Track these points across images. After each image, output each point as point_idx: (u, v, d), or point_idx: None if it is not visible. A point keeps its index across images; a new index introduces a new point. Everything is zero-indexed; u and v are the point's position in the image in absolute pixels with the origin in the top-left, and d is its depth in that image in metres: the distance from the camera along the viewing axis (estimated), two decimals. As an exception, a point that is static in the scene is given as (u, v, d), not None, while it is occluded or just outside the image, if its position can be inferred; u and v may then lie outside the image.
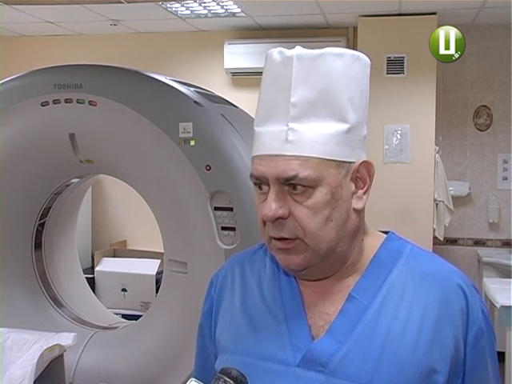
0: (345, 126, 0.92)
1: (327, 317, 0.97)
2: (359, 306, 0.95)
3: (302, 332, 0.97)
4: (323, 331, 0.96)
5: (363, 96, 0.96)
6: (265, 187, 0.94)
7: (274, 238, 0.94)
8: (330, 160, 0.91)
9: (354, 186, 0.95)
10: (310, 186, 0.91)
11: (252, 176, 0.95)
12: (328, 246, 0.94)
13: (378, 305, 0.95)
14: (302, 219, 0.92)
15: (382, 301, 0.95)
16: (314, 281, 1.00)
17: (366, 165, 0.96)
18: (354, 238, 0.98)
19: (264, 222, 0.95)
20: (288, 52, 0.94)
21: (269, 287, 1.04)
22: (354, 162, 0.94)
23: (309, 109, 0.91)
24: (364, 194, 0.97)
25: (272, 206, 0.91)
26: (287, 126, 0.91)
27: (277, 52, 0.95)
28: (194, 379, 0.86)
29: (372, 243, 1.01)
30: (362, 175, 0.96)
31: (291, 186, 0.91)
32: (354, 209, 0.95)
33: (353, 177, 0.95)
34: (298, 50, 0.94)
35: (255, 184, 0.96)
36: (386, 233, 1.05)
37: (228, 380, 0.86)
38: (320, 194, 0.91)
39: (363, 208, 0.97)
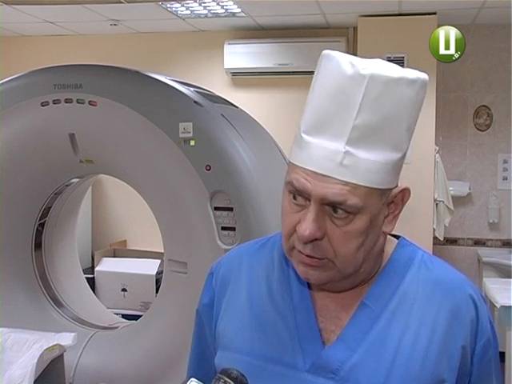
0: (398, 155, 0.89)
1: (339, 322, 0.96)
2: (371, 314, 0.94)
3: (313, 336, 0.96)
4: (334, 336, 0.95)
5: (417, 121, 0.92)
6: (300, 199, 0.90)
7: (301, 253, 0.91)
8: (377, 189, 0.88)
9: (387, 210, 0.93)
10: (352, 212, 0.87)
11: (292, 186, 0.89)
12: (354, 269, 0.92)
13: (390, 313, 0.94)
14: (337, 243, 0.89)
15: (393, 309, 0.94)
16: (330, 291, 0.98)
17: (405, 192, 0.94)
18: (379, 257, 0.97)
19: (292, 233, 0.91)
20: (362, 69, 0.86)
21: (278, 288, 1.02)
22: (394, 188, 0.91)
23: (369, 134, 0.86)
24: (394, 217, 0.94)
25: (311, 227, 0.87)
26: (344, 147, 0.86)
27: (348, 63, 0.87)
28: (194, 379, 0.86)
29: (386, 249, 0.99)
30: (397, 200, 0.93)
31: (333, 208, 0.88)
32: (383, 232, 0.94)
33: (389, 201, 0.92)
34: (374, 68, 0.86)
35: (291, 192, 0.91)
36: (394, 236, 1.03)
37: (228, 381, 0.85)
38: (360, 222, 0.88)
39: (391, 231, 0.95)
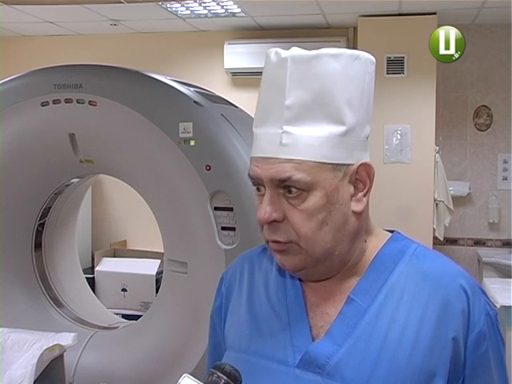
0: (342, 129, 0.91)
1: (327, 317, 0.97)
2: (358, 309, 0.95)
3: (303, 332, 0.97)
4: (323, 332, 0.96)
5: (364, 96, 0.94)
6: (262, 189, 0.94)
7: (271, 241, 0.95)
8: (324, 163, 0.90)
9: (352, 188, 0.94)
10: (305, 189, 0.90)
11: (249, 177, 0.95)
12: (323, 250, 0.93)
13: (377, 307, 0.94)
14: (296, 223, 0.91)
15: (381, 303, 0.94)
16: (317, 281, 0.99)
17: (366, 167, 0.94)
18: (355, 240, 0.96)
19: (262, 225, 0.94)
20: (283, 53, 0.93)
21: (274, 287, 1.04)
22: (352, 165, 0.92)
23: (304, 111, 0.90)
24: (364, 196, 0.95)
25: (267, 209, 0.91)
26: (281, 128, 0.91)
27: (273, 53, 0.94)
28: (187, 375, 0.86)
29: (375, 244, 1.00)
30: (361, 177, 0.94)
31: (286, 189, 0.91)
32: (353, 211, 0.94)
33: (351, 179, 0.93)
34: (293, 51, 0.92)
35: (254, 185, 0.96)
36: (392, 232, 1.03)
37: (221, 375, 0.85)
38: (314, 198, 0.90)
39: (363, 210, 0.95)
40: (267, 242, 0.96)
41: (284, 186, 0.91)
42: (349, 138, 0.92)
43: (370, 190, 0.96)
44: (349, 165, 0.92)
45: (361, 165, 0.93)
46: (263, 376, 0.97)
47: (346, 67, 0.92)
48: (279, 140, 0.91)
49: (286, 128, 0.91)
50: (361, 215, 0.96)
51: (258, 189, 0.95)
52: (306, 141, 0.90)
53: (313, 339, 0.96)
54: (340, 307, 0.96)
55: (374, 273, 0.97)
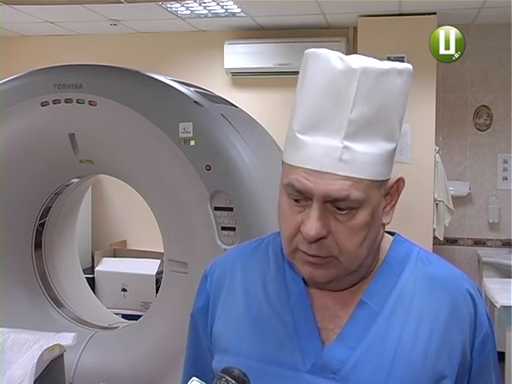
0: (393, 146, 0.90)
1: (338, 320, 0.95)
2: (370, 312, 0.94)
3: (312, 336, 0.95)
4: (333, 335, 0.94)
5: (405, 111, 0.93)
6: (302, 201, 0.89)
7: (306, 253, 0.90)
8: (376, 181, 0.88)
9: (384, 201, 0.93)
10: (355, 207, 0.87)
11: (293, 188, 0.88)
12: (359, 264, 0.92)
13: (389, 311, 0.94)
14: (342, 240, 0.88)
15: (392, 307, 0.94)
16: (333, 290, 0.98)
17: (400, 182, 0.94)
18: (379, 249, 0.97)
19: (295, 234, 0.90)
20: (353, 63, 0.86)
21: (274, 288, 1.01)
22: (389, 178, 0.92)
23: (365, 127, 0.86)
24: (391, 208, 0.95)
25: (316, 226, 0.86)
26: (342, 143, 0.85)
27: (337, 58, 0.87)
28: (195, 378, 0.86)
29: (382, 246, 0.99)
30: (393, 191, 0.94)
31: (336, 205, 0.87)
32: (382, 224, 0.94)
33: (385, 193, 0.92)
34: (364, 62, 0.87)
35: (290, 195, 0.90)
36: (390, 233, 1.03)
37: (230, 380, 0.84)
38: (363, 215, 0.88)
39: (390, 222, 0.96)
40: (295, 252, 0.92)
41: (335, 202, 0.87)
42: (394, 155, 0.91)
43: (397, 202, 0.96)
44: (388, 179, 0.92)
45: (398, 180, 0.94)
46: (270, 382, 0.94)
47: (405, 84, 0.91)
48: (339, 155, 0.85)
49: (346, 143, 0.85)
50: (385, 226, 0.96)
51: (296, 200, 0.90)
52: (363, 158, 0.86)
53: (322, 343, 0.94)
54: (350, 310, 0.95)
55: (383, 276, 0.97)
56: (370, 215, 0.88)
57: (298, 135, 0.89)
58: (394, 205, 0.95)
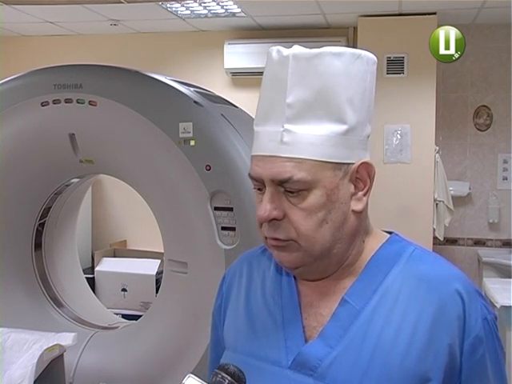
0: (343, 127, 0.90)
1: (321, 318, 0.96)
2: (351, 311, 0.94)
3: (296, 333, 0.97)
4: (316, 333, 0.95)
5: (365, 95, 0.94)
6: (263, 188, 0.93)
7: (268, 238, 0.95)
8: (325, 162, 0.90)
9: (353, 187, 0.93)
10: (305, 188, 0.90)
11: (249, 176, 0.95)
12: (322, 248, 0.92)
13: (371, 310, 0.93)
14: (296, 221, 0.91)
15: (375, 306, 0.93)
16: (313, 281, 0.99)
17: (366, 166, 0.94)
18: (353, 239, 0.96)
19: (262, 222, 0.94)
20: (285, 51, 0.92)
21: (270, 287, 1.04)
22: (352, 164, 0.92)
23: (305, 110, 0.90)
24: (364, 195, 0.95)
25: (267, 207, 0.91)
26: (283, 126, 0.90)
27: (275, 51, 0.94)
28: (191, 375, 0.86)
29: (372, 245, 0.99)
30: (361, 176, 0.94)
31: (286, 187, 0.90)
32: (352, 210, 0.94)
33: (352, 178, 0.93)
34: (295, 49, 0.92)
35: (254, 186, 0.95)
36: (389, 233, 1.03)
37: (225, 376, 0.86)
38: (315, 197, 0.90)
39: (363, 209, 0.95)
40: (265, 238, 0.96)
41: (284, 185, 0.90)
42: (350, 137, 0.91)
43: (370, 189, 0.96)
44: (349, 164, 0.92)
45: (361, 164, 0.93)
46: (256, 377, 0.96)
47: (347, 66, 0.91)
48: (280, 138, 0.90)
49: (286, 126, 0.90)
50: (360, 214, 0.95)
51: (258, 188, 0.95)
52: (307, 139, 0.89)
53: (306, 340, 0.96)
54: (333, 308, 0.96)
55: (369, 274, 0.96)
56: (323, 197, 0.90)
57: (255, 127, 0.96)
58: (368, 192, 0.95)
